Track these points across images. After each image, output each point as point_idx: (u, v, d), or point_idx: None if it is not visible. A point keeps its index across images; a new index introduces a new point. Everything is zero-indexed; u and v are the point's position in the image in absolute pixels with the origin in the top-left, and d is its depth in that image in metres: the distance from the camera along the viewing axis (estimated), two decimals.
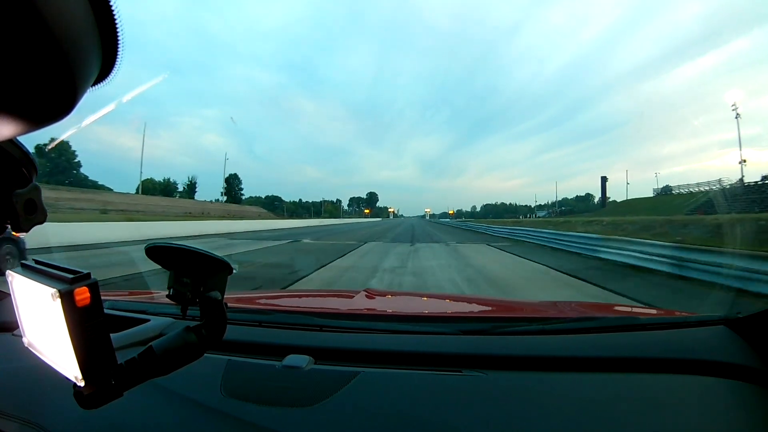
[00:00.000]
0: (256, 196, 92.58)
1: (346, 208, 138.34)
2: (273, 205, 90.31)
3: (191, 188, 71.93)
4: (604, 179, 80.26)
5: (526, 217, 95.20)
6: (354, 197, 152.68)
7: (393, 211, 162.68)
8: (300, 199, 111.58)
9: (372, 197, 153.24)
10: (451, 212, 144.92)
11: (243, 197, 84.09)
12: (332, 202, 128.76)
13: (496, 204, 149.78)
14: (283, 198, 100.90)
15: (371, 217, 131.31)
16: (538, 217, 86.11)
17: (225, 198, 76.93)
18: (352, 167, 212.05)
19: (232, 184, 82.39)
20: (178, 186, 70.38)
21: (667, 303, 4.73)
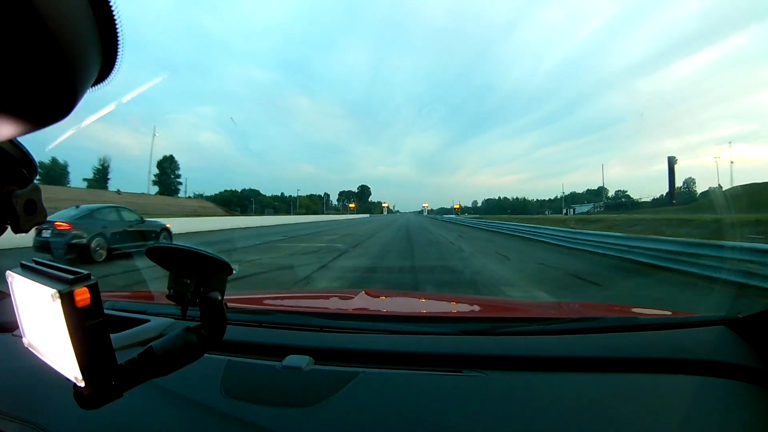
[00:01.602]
0: (231, 190, 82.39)
1: (335, 203, 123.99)
2: (248, 200, 77.89)
3: (102, 174, 54.07)
4: (672, 161, 54.64)
5: (563, 213, 74.59)
6: (344, 191, 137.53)
7: (387, 206, 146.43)
8: (282, 193, 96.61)
9: (364, 191, 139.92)
10: (456, 206, 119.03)
11: (180, 187, 63.73)
12: (319, 196, 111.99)
13: (499, 199, 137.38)
14: (261, 192, 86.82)
15: (359, 212, 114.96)
16: (579, 213, 61.99)
17: (157, 189, 58.02)
18: (349, 164, 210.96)
19: (167, 170, 62.19)
20: (70, 170, 50.51)
21: None
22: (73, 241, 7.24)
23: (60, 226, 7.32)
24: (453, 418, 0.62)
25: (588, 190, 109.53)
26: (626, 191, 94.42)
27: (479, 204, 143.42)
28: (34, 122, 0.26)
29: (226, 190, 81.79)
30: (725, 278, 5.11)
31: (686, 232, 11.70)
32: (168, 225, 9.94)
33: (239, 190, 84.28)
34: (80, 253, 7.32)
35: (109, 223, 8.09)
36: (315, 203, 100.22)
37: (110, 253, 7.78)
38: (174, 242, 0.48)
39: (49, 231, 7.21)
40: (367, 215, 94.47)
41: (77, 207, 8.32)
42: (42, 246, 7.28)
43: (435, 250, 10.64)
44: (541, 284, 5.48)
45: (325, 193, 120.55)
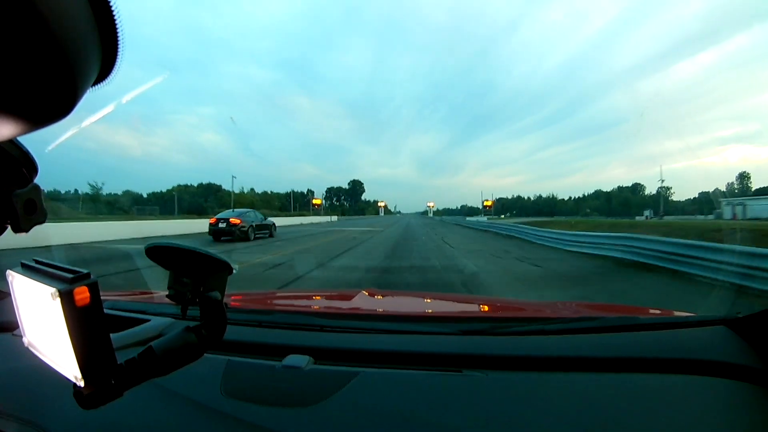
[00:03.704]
0: (186, 185, 69.09)
1: (323, 202, 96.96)
2: (203, 198, 62.63)
3: None
4: None
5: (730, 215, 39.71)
6: (332, 188, 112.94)
7: (384, 206, 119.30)
8: (252, 189, 77.80)
9: (355, 188, 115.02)
10: (487, 203, 76.43)
11: None
12: (301, 193, 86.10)
13: (514, 198, 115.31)
14: (223, 187, 66.25)
15: (349, 213, 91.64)
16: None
17: None
18: (350, 165, 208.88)
19: None
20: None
21: None
22: (242, 229, 12.84)
23: (234, 221, 12.97)
24: (453, 418, 0.62)
25: (619, 186, 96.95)
26: (670, 187, 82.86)
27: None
28: (34, 122, 0.26)
29: (179, 185, 69.70)
30: None
31: None
32: (274, 222, 16.06)
33: (195, 185, 70.87)
34: (245, 235, 12.83)
35: (253, 219, 14.11)
36: (269, 202, 67.86)
37: (255, 236, 13.48)
38: (174, 242, 0.48)
39: (225, 224, 12.88)
40: (334, 218, 56.85)
41: (233, 210, 14.94)
42: (218, 232, 12.83)
43: None
44: None
45: (309, 190, 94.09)
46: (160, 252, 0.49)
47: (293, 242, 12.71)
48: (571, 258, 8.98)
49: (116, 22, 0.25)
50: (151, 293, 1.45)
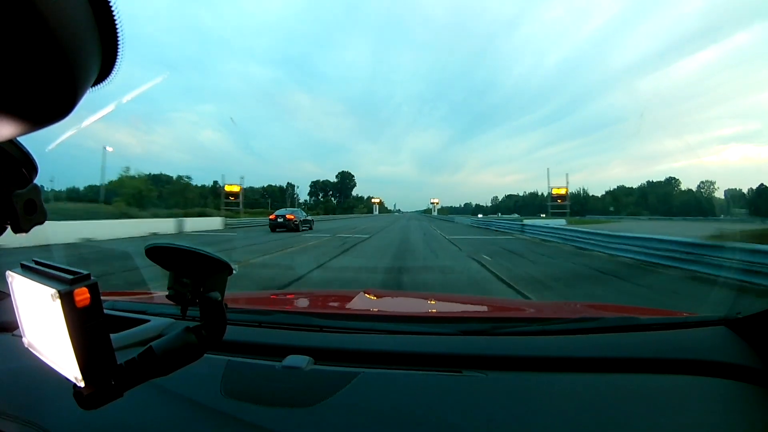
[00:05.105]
0: (141, 175, 57.47)
1: (305, 198, 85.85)
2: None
3: None
4: None
5: None
6: (317, 181, 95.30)
7: (378, 203, 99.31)
8: (215, 182, 55.68)
9: (344, 181, 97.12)
10: (559, 191, 51.11)
11: None
12: (280, 187, 71.21)
13: (522, 195, 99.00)
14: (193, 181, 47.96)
15: (310, 212, 47.76)
16: None
17: None
18: (350, 163, 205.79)
19: None
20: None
21: None
22: (295, 223, 17.24)
23: (289, 216, 17.60)
24: (453, 418, 0.62)
25: (649, 182, 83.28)
26: (713, 182, 71.47)
27: (500, 200, 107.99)
28: (34, 122, 0.26)
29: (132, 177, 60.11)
30: None
31: None
32: (313, 219, 21.88)
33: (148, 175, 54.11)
34: (296, 227, 17.03)
35: (301, 215, 18.85)
36: (181, 192, 42.60)
37: (302, 228, 17.42)
38: (174, 242, 0.48)
39: (282, 219, 17.42)
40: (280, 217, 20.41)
41: (287, 209, 20.48)
42: (276, 225, 17.29)
43: None
44: None
45: (289, 184, 76.89)
46: (160, 252, 0.49)
47: None
48: None
49: (116, 22, 0.25)
50: (151, 293, 1.45)
